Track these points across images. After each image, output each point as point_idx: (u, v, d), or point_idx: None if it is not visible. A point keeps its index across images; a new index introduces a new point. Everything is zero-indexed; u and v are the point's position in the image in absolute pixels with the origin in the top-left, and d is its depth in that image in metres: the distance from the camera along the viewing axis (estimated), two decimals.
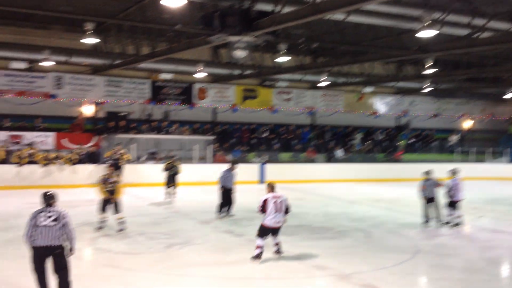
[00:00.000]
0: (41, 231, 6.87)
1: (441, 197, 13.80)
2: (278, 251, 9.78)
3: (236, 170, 14.43)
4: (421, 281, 9.14)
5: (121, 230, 11.75)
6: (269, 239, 9.67)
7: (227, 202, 14.06)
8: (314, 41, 17.90)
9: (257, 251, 9.43)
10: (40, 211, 6.99)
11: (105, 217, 11.99)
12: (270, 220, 9.44)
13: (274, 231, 9.57)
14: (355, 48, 20.16)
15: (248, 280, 8.45)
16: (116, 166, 19.82)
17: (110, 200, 11.83)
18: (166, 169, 17.30)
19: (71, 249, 7.12)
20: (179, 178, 17.48)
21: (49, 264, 6.98)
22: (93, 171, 20.26)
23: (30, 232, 6.92)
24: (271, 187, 9.77)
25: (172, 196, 17.25)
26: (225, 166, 14.78)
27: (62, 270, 6.97)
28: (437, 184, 13.76)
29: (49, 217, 6.94)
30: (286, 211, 9.62)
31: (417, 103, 32.76)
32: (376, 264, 9.54)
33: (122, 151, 20.09)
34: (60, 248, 6.96)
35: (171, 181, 17.23)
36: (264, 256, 9.91)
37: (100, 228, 11.91)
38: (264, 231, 9.51)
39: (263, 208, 9.47)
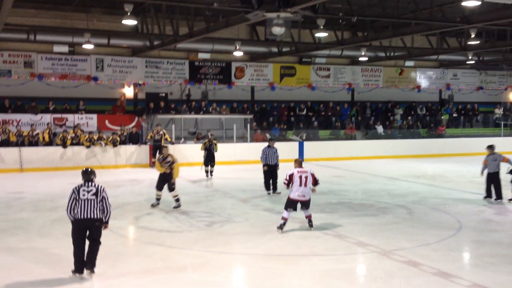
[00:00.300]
0: (81, 205, 7.38)
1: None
2: (310, 225, 10.18)
3: (275, 146, 14.52)
4: (465, 257, 8.99)
5: (176, 207, 12.22)
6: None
7: (273, 179, 14.23)
8: (353, 15, 17.54)
9: (281, 222, 10.00)
10: (80, 186, 7.51)
11: (160, 194, 12.44)
12: (295, 193, 9.97)
13: (302, 204, 10.03)
14: (396, 21, 19.69)
15: (288, 257, 8.50)
16: (157, 147, 20.21)
17: (166, 179, 12.29)
18: (204, 148, 17.66)
19: (106, 222, 7.59)
20: (216, 157, 17.77)
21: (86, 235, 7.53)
22: (135, 152, 20.70)
23: (72, 205, 7.43)
24: (298, 163, 10.40)
25: (210, 174, 17.60)
26: (264, 144, 14.85)
27: (94, 241, 7.50)
28: (501, 158, 13.33)
29: (89, 191, 7.45)
30: (316, 183, 10.20)
31: (460, 76, 31.86)
32: (419, 241, 9.43)
33: (162, 132, 20.38)
34: (99, 220, 7.47)
35: (208, 160, 17.62)
36: (304, 234, 9.96)
37: (155, 205, 12.38)
38: (290, 204, 10.03)
39: (289, 182, 10.03)
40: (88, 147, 19.83)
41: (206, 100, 25.51)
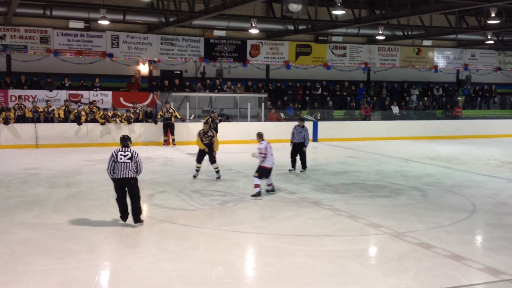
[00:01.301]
0: (119, 166, 8.76)
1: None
2: (273, 190, 11.64)
3: (306, 126, 14.81)
4: (478, 240, 8.94)
5: (218, 178, 13.09)
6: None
7: (300, 157, 14.62)
8: None
9: (257, 190, 11.20)
10: (118, 151, 8.86)
11: (200, 166, 13.36)
12: (269, 162, 11.32)
13: (270, 172, 11.43)
14: None
15: (301, 237, 8.51)
16: (168, 125, 20.27)
17: (206, 152, 13.19)
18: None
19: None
20: (229, 135, 18.07)
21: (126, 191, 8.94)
22: (148, 130, 20.75)
23: (111, 167, 8.81)
24: (261, 136, 11.78)
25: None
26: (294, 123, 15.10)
27: (135, 197, 8.94)
28: None
29: (125, 156, 8.81)
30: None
31: (478, 56, 31.34)
32: (432, 223, 9.39)
33: (172, 109, 20.40)
34: (134, 179, 8.88)
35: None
36: (316, 214, 9.98)
37: (196, 176, 13.34)
38: (264, 173, 11.30)
39: (266, 154, 11.24)
40: (102, 124, 19.92)
41: (220, 78, 25.44)
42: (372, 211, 10.24)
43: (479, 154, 19.46)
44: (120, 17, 21.27)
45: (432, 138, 24.48)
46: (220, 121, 20.70)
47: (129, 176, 8.78)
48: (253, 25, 21.62)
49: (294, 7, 13.34)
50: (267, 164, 11.28)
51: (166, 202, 10.74)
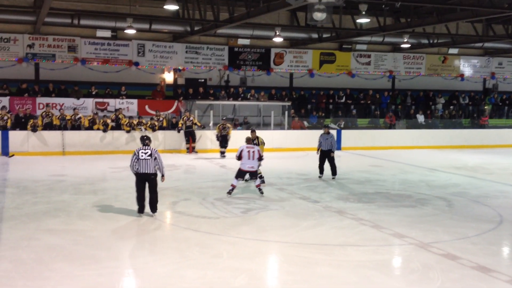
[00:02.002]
0: (140, 163, 9.88)
1: None
2: (261, 192, 12.27)
3: (332, 133, 15.14)
4: (505, 251, 8.77)
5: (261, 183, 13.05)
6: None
7: (330, 164, 14.84)
8: (397, 0, 17.18)
9: (230, 188, 12.16)
10: (140, 149, 10.02)
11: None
12: (244, 165, 12.13)
13: (251, 174, 12.24)
14: (441, 6, 19.18)
15: (324, 247, 8.46)
16: (190, 133, 20.40)
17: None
18: (219, 131, 19.54)
19: (162, 175, 10.08)
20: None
21: (146, 185, 10.00)
22: (172, 137, 20.88)
23: (133, 163, 9.96)
24: (247, 140, 12.68)
25: (222, 156, 19.38)
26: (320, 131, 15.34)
27: (152, 190, 10.01)
28: None
29: (145, 153, 9.92)
30: (260, 158, 12.27)
31: (506, 64, 30.85)
32: (458, 234, 9.25)
33: (192, 117, 20.53)
34: (154, 175, 9.97)
35: (222, 143, 19.54)
36: (340, 223, 9.93)
37: (246, 180, 13.34)
38: (240, 174, 12.23)
39: (240, 156, 12.17)
40: (128, 131, 20.14)
41: (244, 86, 25.54)
42: (396, 221, 10.14)
43: (505, 164, 19.12)
44: (146, 26, 21.56)
45: (458, 148, 24.14)
46: (242, 126, 20.90)
47: (149, 171, 9.92)
48: (277, 33, 21.69)
49: (319, 16, 13.29)
50: (242, 166, 12.18)
51: (189, 210, 10.79)
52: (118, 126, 20.30)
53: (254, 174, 12.29)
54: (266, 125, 23.13)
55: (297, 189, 13.37)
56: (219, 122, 20.38)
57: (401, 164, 18.83)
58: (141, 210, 10.07)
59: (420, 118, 26.13)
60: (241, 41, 25.13)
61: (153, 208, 10.07)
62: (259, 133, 21.18)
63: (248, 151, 12.19)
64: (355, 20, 21.69)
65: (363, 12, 18.92)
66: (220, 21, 19.73)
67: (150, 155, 9.91)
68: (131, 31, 20.72)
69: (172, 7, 17.47)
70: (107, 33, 22.59)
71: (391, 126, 25.61)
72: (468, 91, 29.54)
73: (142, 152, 9.93)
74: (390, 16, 24.46)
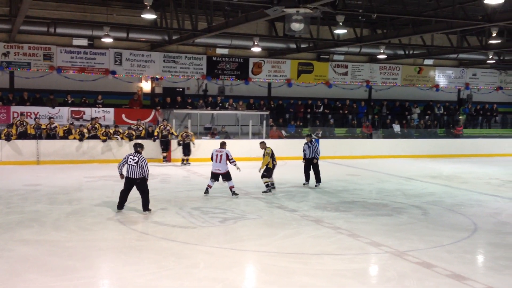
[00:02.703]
0: (128, 168, 10.96)
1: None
2: (233, 193, 13.18)
3: (313, 141, 15.74)
4: (480, 259, 8.88)
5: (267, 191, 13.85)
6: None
7: (314, 172, 15.35)
8: (373, 11, 17.40)
9: (205, 188, 13.39)
10: (130, 154, 11.05)
11: (271, 181, 14.07)
12: (213, 167, 13.19)
13: (222, 176, 13.19)
14: (417, 18, 19.50)
15: (301, 256, 8.47)
16: (166, 142, 20.32)
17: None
18: (181, 138, 20.04)
19: (146, 179, 11.10)
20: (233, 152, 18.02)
21: (132, 188, 11.12)
22: (149, 147, 20.71)
23: (122, 165, 11.11)
24: (220, 144, 13.47)
25: (183, 164, 19.96)
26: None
27: (143, 193, 11.12)
28: None
29: (133, 160, 10.93)
30: (230, 161, 13.10)
31: (480, 75, 31.46)
32: (433, 242, 9.35)
33: (169, 126, 20.46)
34: (139, 179, 10.97)
35: (185, 151, 20.09)
36: (317, 232, 9.96)
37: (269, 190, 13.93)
38: (212, 176, 13.29)
39: (211, 159, 13.20)
40: (104, 141, 19.94)
41: (222, 95, 25.54)
42: (373, 229, 10.21)
43: (480, 173, 19.43)
44: (124, 35, 21.43)
45: (433, 157, 24.44)
46: (220, 136, 20.85)
47: (135, 176, 10.94)
48: (256, 43, 21.77)
49: (296, 26, 13.38)
50: (212, 168, 13.25)
51: (166, 219, 10.70)
52: (94, 135, 20.08)
53: (225, 176, 13.18)
54: (244, 134, 23.14)
55: (275, 198, 13.37)
56: (181, 130, 20.82)
57: (378, 173, 18.99)
58: (119, 207, 11.23)
59: (396, 127, 26.42)
60: (219, 51, 25.14)
61: (145, 208, 11.18)
62: (236, 142, 21.36)
63: (217, 155, 13.13)
64: (333, 31, 21.89)
65: (340, 23, 19.10)
66: (198, 31, 19.73)
67: (137, 162, 10.89)
68: (108, 40, 20.58)
69: (149, 16, 17.40)
70: (84, 42, 22.40)
71: (368, 136, 25.84)
72: (443, 102, 30.00)
73: (131, 158, 10.95)
74: (366, 27, 24.76)
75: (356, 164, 21.51)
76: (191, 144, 20.26)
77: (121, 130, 20.41)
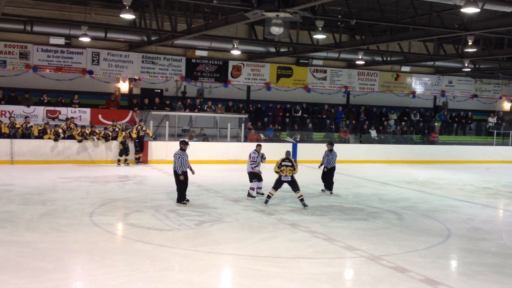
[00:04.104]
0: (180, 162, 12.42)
1: None
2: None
3: (333, 151, 15.58)
4: (453, 265, 8.99)
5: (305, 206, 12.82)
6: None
7: (326, 180, 15.34)
8: (352, 18, 17.56)
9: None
10: (177, 152, 12.48)
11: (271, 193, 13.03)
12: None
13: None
14: (394, 25, 19.74)
15: (277, 259, 8.47)
16: (142, 143, 20.17)
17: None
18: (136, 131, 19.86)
19: (177, 173, 12.39)
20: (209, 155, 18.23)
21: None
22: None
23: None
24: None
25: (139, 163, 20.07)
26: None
27: (186, 186, 12.56)
28: None
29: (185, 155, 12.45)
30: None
31: (456, 83, 31.95)
32: (407, 247, 9.44)
33: (145, 127, 20.31)
34: (174, 172, 12.60)
35: (140, 147, 20.24)
36: (293, 236, 9.98)
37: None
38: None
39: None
40: (80, 141, 19.69)
41: (201, 98, 25.46)
42: (348, 234, 10.26)
43: (454, 179, 19.70)
44: (102, 34, 21.21)
45: (409, 163, 24.72)
46: (198, 138, 20.80)
47: (185, 169, 12.44)
48: (235, 46, 21.76)
49: (276, 30, 13.42)
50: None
51: (141, 222, 10.60)
52: (69, 136, 19.82)
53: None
54: (222, 137, 23.10)
55: (252, 202, 13.35)
56: (137, 125, 20.47)
57: (354, 178, 19.12)
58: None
59: (373, 133, 26.66)
60: (198, 53, 25.09)
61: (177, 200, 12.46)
62: (214, 144, 21.31)
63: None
64: (312, 36, 22.01)
65: (320, 28, 19.23)
66: (178, 32, 19.64)
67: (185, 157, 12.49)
68: (85, 39, 20.36)
69: (128, 16, 17.28)
70: (61, 41, 22.12)
71: (345, 141, 26.01)
72: (419, 108, 30.37)
73: (177, 153, 12.41)
74: (345, 33, 24.98)
75: None
76: (148, 138, 20.38)
77: (97, 131, 20.18)
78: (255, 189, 13.84)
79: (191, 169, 12.58)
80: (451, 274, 8.41)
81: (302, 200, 12.67)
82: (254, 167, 13.83)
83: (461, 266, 8.81)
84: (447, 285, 7.48)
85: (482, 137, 30.21)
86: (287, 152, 13.20)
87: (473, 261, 8.79)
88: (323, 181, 15.51)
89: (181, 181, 12.39)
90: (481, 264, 8.62)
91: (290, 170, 12.62)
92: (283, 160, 12.78)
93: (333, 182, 15.33)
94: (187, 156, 12.53)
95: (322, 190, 15.45)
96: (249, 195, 13.71)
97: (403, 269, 8.08)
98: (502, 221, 12.86)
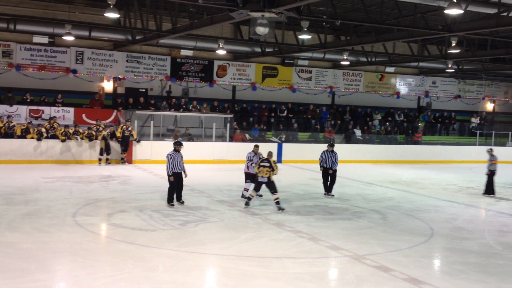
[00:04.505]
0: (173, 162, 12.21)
1: None
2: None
3: (334, 152, 15.30)
4: (436, 264, 9.07)
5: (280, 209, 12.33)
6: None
7: (330, 181, 14.89)
8: (337, 18, 17.63)
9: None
10: (171, 152, 12.25)
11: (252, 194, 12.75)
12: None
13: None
14: (379, 26, 19.87)
15: (261, 259, 8.47)
16: (127, 143, 20.05)
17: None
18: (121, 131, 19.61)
19: (168, 174, 12.19)
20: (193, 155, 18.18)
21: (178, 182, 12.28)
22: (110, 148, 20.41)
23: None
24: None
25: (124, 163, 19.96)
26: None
27: (180, 186, 12.40)
28: None
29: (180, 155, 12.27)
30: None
31: (439, 84, 32.24)
32: (391, 246, 9.50)
33: (131, 127, 20.20)
34: (179, 173, 12.30)
35: (125, 146, 20.08)
36: (278, 236, 9.99)
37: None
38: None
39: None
40: (63, 141, 19.50)
41: (186, 97, 25.38)
42: (333, 233, 10.30)
43: (438, 179, 19.87)
44: (86, 33, 21.03)
45: (393, 163, 24.87)
46: (183, 138, 20.71)
47: (177, 170, 12.17)
48: (221, 46, 21.73)
49: (261, 30, 13.42)
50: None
51: (125, 222, 10.53)
52: (53, 135, 19.63)
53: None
54: (208, 137, 23.04)
55: (237, 201, 13.34)
56: (122, 124, 20.45)
57: (339, 177, 19.05)
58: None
59: (358, 133, 26.79)
60: (184, 52, 25.01)
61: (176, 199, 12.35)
62: (199, 144, 21.26)
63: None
64: (297, 36, 22.06)
65: (305, 29, 19.28)
66: (163, 31, 19.55)
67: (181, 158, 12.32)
68: (69, 38, 20.18)
69: (113, 15, 17.13)
70: (44, 39, 21.90)
71: (330, 141, 26.08)
72: (403, 109, 30.59)
73: (171, 153, 12.18)
74: (330, 33, 25.07)
75: (318, 168, 21.60)
76: (132, 138, 20.22)
77: (81, 130, 20.01)
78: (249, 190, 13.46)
79: (184, 171, 12.28)
80: (434, 273, 8.48)
81: (277, 203, 12.23)
82: (251, 164, 13.38)
83: (444, 265, 8.89)
84: (430, 284, 7.53)
85: (465, 137, 30.51)
86: (269, 153, 12.72)
87: (456, 260, 8.87)
88: (325, 184, 14.90)
89: (171, 182, 12.16)
90: (464, 263, 8.70)
91: (267, 171, 12.21)
92: (262, 160, 12.56)
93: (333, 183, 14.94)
94: (181, 157, 12.26)
95: (325, 194, 14.84)
96: (242, 196, 13.44)
97: (387, 268, 8.13)
98: (485, 221, 12.99)
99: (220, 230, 10.25)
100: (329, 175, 14.85)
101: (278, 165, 12.85)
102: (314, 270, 8.06)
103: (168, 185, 12.40)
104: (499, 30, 19.14)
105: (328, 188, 14.87)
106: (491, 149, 16.47)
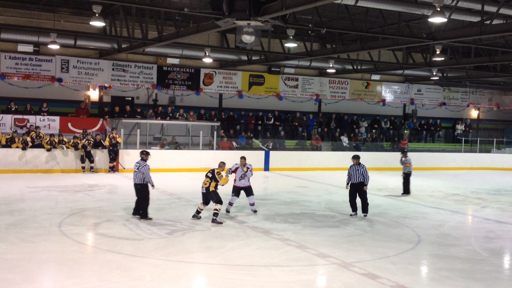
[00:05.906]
0: (134, 174, 11.59)
1: None
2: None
3: (361, 164, 13.72)
4: (423, 270, 9.10)
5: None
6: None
7: (361, 199, 13.19)
8: (322, 27, 17.75)
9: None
10: (137, 162, 11.61)
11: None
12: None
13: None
14: (364, 34, 20.03)
15: (249, 267, 8.44)
16: (116, 151, 19.96)
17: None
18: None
19: (152, 185, 11.62)
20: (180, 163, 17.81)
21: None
22: (96, 157, 20.27)
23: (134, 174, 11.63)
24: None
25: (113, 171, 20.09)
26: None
27: (140, 198, 11.59)
28: None
29: (137, 166, 11.52)
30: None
31: (424, 91, 32.55)
32: (378, 253, 9.52)
33: (117, 136, 20.13)
34: (139, 185, 11.50)
35: (113, 156, 20.19)
36: (266, 244, 9.97)
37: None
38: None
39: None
40: (49, 150, 19.36)
41: (173, 105, 25.33)
42: (320, 241, 10.31)
43: (424, 186, 20.00)
44: (71, 42, 20.96)
45: (379, 170, 24.98)
46: (170, 146, 20.62)
47: (135, 182, 11.52)
48: (207, 54, 21.75)
49: (247, 38, 13.47)
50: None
51: (112, 231, 10.46)
52: (38, 144, 19.47)
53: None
54: (194, 145, 23.00)
55: (223, 210, 13.27)
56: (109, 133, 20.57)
57: (326, 185, 19.24)
58: (134, 212, 11.84)
59: (344, 140, 26.90)
60: (170, 60, 24.99)
61: (141, 215, 11.59)
62: (186, 152, 21.18)
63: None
64: (283, 44, 22.16)
65: (291, 37, 19.38)
66: (149, 40, 19.53)
67: (138, 168, 11.43)
68: (54, 47, 20.07)
69: (98, 24, 17.11)
70: (29, 48, 21.76)
71: (317, 148, 26.19)
72: (389, 116, 30.81)
73: (136, 165, 11.58)
74: (316, 41, 25.21)
75: (305, 176, 21.72)
76: (119, 146, 20.26)
77: (66, 139, 19.86)
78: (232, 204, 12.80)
79: (151, 183, 11.52)
80: (421, 279, 8.51)
81: (215, 214, 11.49)
82: (239, 178, 12.79)
83: (431, 271, 8.93)
84: None
85: (450, 144, 30.79)
86: (220, 163, 12.14)
87: (443, 266, 8.92)
88: (352, 203, 13.14)
89: (136, 193, 11.63)
90: (451, 269, 8.74)
91: (207, 181, 11.73)
92: (208, 171, 11.97)
93: (368, 202, 13.22)
94: (147, 167, 11.42)
95: (351, 215, 13.11)
96: (226, 210, 12.67)
97: (374, 275, 8.14)
98: (471, 227, 13.09)
99: (208, 239, 10.21)
100: (357, 193, 13.15)
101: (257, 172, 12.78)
102: (302, 278, 8.04)
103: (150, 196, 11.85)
104: (483, 38, 19.42)
105: (363, 208, 13.15)
106: (404, 152, 18.11)
